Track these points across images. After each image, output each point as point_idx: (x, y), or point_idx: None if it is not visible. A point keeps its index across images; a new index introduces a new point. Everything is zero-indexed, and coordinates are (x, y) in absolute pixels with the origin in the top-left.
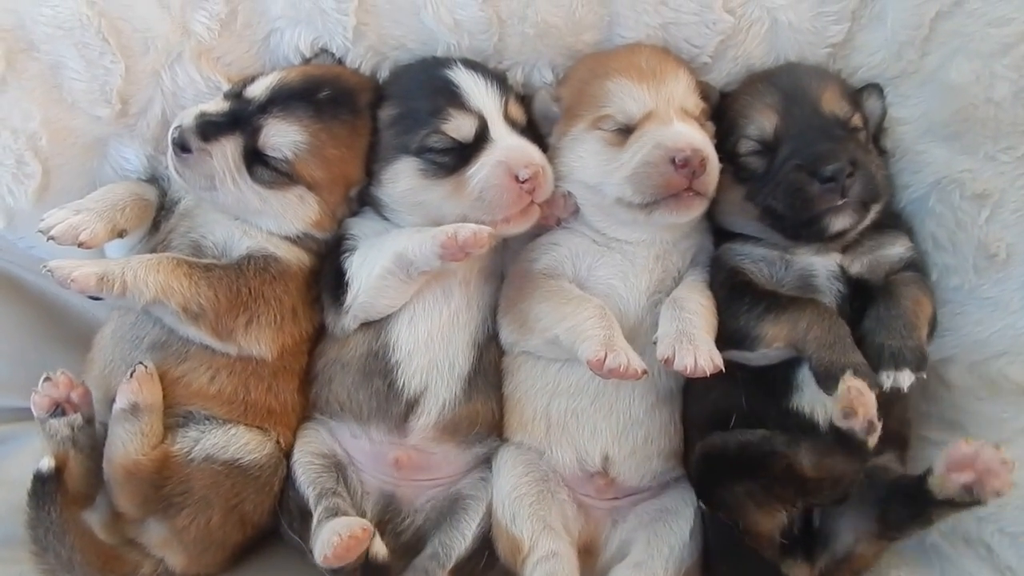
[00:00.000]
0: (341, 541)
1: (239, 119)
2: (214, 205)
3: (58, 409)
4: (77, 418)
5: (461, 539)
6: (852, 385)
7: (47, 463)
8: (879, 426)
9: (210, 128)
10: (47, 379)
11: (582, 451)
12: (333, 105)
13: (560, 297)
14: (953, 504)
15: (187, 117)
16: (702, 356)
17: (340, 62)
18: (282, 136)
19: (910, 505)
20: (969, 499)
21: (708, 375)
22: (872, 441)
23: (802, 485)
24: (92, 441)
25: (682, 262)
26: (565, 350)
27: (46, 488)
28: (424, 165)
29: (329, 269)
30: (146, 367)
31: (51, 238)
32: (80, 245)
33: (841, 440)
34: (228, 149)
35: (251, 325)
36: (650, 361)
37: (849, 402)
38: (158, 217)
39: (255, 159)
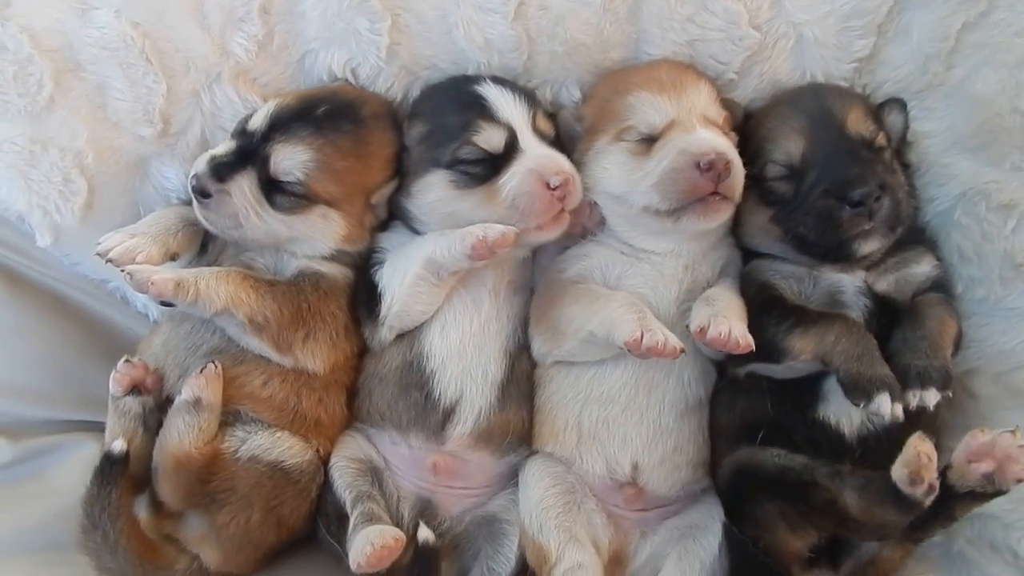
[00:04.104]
0: (374, 550)
1: (247, 154)
2: (247, 243)
3: (134, 390)
4: (149, 400)
5: (506, 562)
6: (922, 450)
7: (120, 444)
8: (936, 485)
9: (223, 168)
10: (127, 360)
11: (612, 460)
12: (333, 119)
13: (589, 296)
14: (975, 496)
15: (200, 164)
16: (737, 329)
17: None
18: (289, 159)
19: (933, 503)
20: (991, 488)
21: (740, 348)
22: (929, 501)
23: (844, 521)
24: (159, 426)
25: (711, 273)
26: (601, 344)
27: (114, 469)
28: (455, 176)
29: (361, 284)
30: (216, 366)
31: (109, 260)
32: None
33: (896, 496)
34: (244, 185)
35: (308, 340)
36: (682, 364)
37: (917, 469)
38: (205, 239)
39: (272, 188)
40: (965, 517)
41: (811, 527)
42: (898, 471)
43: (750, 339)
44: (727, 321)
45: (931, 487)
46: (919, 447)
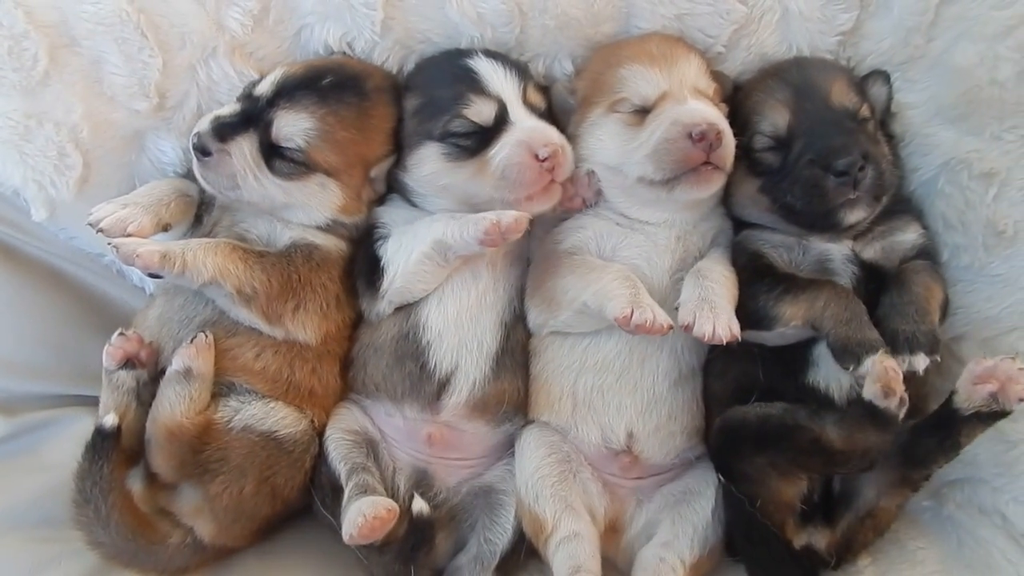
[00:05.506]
0: (366, 521)
1: (251, 117)
2: (243, 205)
3: (128, 363)
4: (143, 374)
5: (503, 533)
6: (888, 365)
7: (111, 419)
8: (907, 399)
9: (225, 129)
10: (121, 334)
11: (607, 428)
12: (337, 90)
13: (585, 268)
14: (979, 417)
15: (203, 123)
16: (721, 324)
17: None
18: (291, 126)
19: (938, 432)
20: (996, 407)
21: (725, 343)
22: (902, 414)
23: (830, 457)
24: (152, 400)
25: (703, 243)
26: (594, 315)
27: (105, 444)
28: (447, 149)
29: (363, 257)
30: (206, 336)
31: (100, 230)
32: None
33: (872, 415)
34: (245, 147)
35: (298, 311)
36: (674, 334)
37: (887, 382)
38: (199, 211)
39: (272, 153)
40: (954, 481)
41: (800, 471)
42: (870, 388)
43: (736, 330)
44: (712, 316)
45: (903, 400)
46: (884, 362)
